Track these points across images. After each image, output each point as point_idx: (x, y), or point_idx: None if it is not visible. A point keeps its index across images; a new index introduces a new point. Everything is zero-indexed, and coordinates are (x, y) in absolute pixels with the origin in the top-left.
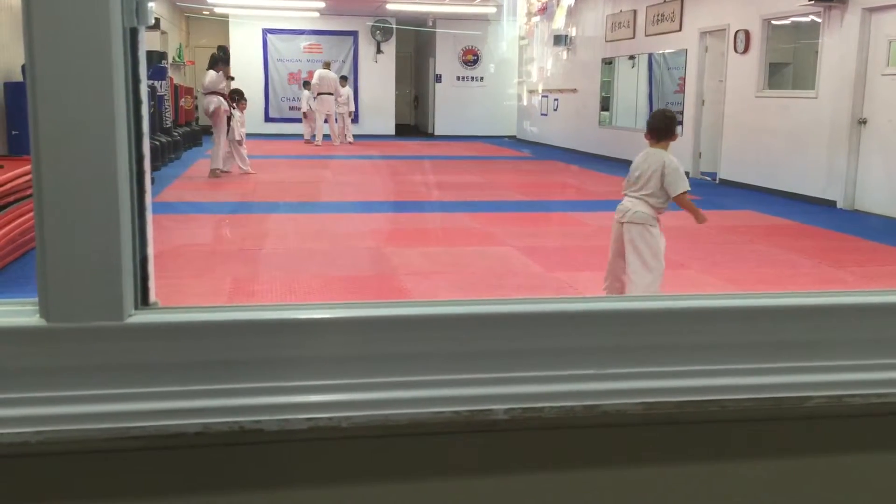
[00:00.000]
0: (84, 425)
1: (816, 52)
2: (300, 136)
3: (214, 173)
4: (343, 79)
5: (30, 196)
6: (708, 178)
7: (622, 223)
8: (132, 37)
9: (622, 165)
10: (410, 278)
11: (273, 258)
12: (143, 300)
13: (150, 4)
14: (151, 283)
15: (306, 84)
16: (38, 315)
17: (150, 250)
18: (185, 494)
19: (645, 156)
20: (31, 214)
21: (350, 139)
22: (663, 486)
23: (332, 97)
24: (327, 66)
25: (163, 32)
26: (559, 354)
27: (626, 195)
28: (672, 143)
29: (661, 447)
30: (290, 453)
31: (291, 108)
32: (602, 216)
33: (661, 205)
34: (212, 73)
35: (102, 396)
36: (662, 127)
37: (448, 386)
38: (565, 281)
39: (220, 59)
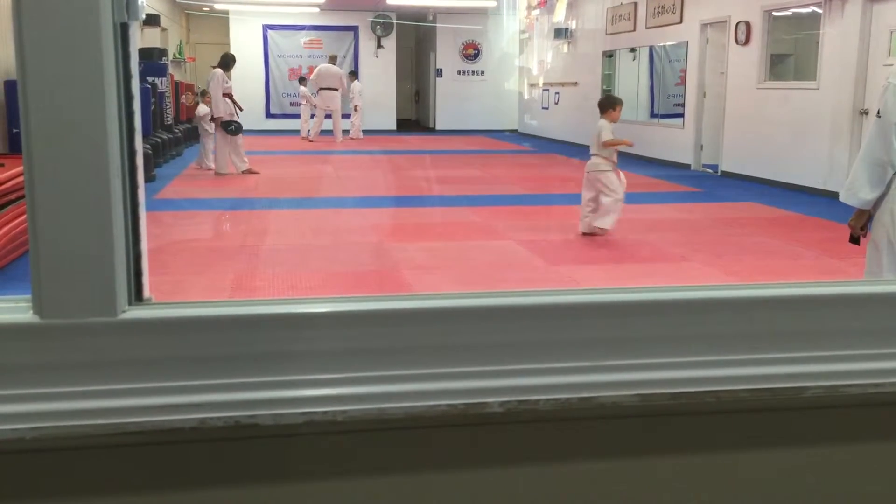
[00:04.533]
0: (79, 421)
1: (817, 42)
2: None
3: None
4: (352, 74)
5: None
6: (710, 171)
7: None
8: (123, 32)
9: (624, 158)
10: (412, 273)
11: (275, 254)
12: (137, 296)
13: (141, 0)
14: (145, 279)
15: (302, 80)
16: (31, 311)
17: (144, 246)
18: (182, 490)
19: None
20: None
21: (359, 135)
22: (660, 477)
23: (336, 93)
24: (332, 60)
25: (163, 29)
26: (554, 346)
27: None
28: (670, 133)
29: (657, 439)
30: (285, 448)
31: (292, 104)
32: None
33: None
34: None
35: (97, 392)
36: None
37: (443, 379)
38: (567, 275)
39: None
